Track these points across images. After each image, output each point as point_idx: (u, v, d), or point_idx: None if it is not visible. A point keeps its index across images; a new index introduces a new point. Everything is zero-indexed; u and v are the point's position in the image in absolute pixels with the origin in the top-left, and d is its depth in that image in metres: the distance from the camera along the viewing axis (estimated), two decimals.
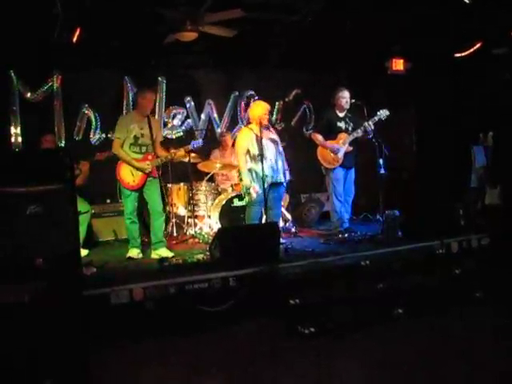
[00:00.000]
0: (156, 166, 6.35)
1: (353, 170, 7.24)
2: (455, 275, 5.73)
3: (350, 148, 7.07)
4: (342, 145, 7.01)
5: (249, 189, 6.48)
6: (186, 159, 7.61)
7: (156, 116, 8.84)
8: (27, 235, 3.97)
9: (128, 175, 6.22)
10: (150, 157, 6.31)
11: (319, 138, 7.16)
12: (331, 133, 7.14)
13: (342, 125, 7.14)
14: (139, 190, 6.30)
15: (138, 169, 6.21)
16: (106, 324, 4.52)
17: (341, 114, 7.17)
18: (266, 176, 6.33)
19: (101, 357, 4.23)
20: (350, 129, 7.11)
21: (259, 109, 6.59)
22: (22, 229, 3.97)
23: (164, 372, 4.19)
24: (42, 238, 4.00)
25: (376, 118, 6.96)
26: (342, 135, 7.07)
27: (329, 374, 4.03)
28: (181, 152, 6.78)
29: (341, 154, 7.01)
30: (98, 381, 3.98)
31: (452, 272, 5.75)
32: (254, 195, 6.42)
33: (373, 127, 6.92)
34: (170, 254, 6.24)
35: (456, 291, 5.56)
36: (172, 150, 6.66)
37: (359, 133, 6.99)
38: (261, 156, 6.33)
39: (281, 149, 6.73)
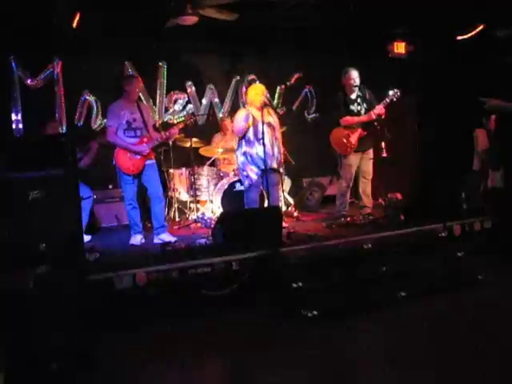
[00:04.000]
0: (153, 147, 6.37)
1: (370, 151, 7.09)
2: (458, 258, 5.74)
3: (364, 132, 6.93)
4: (354, 130, 6.90)
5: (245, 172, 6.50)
6: (188, 144, 7.60)
7: (157, 101, 8.83)
8: (30, 221, 3.98)
9: (126, 161, 6.22)
10: (145, 139, 6.30)
11: (350, 119, 6.95)
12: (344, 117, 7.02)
13: (353, 108, 7.00)
14: (138, 175, 6.30)
15: (135, 153, 6.22)
16: (110, 308, 4.55)
17: (353, 96, 7.05)
18: (262, 160, 6.26)
19: (104, 341, 4.26)
20: (362, 111, 6.99)
21: (252, 93, 6.54)
22: (24, 214, 3.97)
23: (167, 356, 4.22)
24: (44, 223, 4.01)
25: (388, 100, 6.79)
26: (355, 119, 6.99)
27: (332, 356, 4.05)
28: (174, 129, 6.63)
29: (353, 140, 6.92)
30: (101, 365, 4.00)
31: (455, 255, 5.75)
32: (253, 179, 6.41)
33: (383, 110, 6.79)
34: (172, 239, 6.25)
35: (459, 274, 5.58)
36: (168, 130, 6.62)
37: (372, 116, 6.83)
38: (258, 140, 6.30)
39: (278, 134, 6.61)
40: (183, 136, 7.65)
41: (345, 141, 6.91)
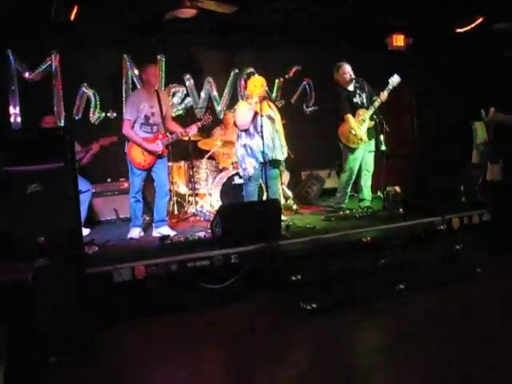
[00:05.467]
0: (166, 144, 6.38)
1: (372, 142, 7.10)
2: (456, 251, 5.75)
3: (372, 123, 6.94)
4: (363, 121, 6.91)
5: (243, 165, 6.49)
6: (187, 137, 7.58)
7: None
8: (28, 214, 3.97)
9: (139, 155, 6.20)
10: (160, 136, 6.28)
11: (351, 120, 6.94)
12: (350, 111, 7.01)
13: (357, 100, 7.00)
14: (149, 170, 6.31)
15: (148, 151, 6.20)
16: (109, 302, 4.55)
17: (350, 88, 7.04)
18: (262, 153, 6.28)
19: (104, 334, 4.27)
20: (364, 101, 6.99)
21: (251, 85, 6.54)
22: (23, 208, 3.97)
23: (166, 349, 4.23)
24: (43, 216, 4.00)
25: (390, 87, 6.80)
26: (361, 111, 6.95)
27: (330, 349, 4.06)
28: (193, 128, 6.54)
29: (364, 132, 6.91)
30: (100, 357, 4.01)
31: (453, 248, 5.76)
32: (250, 172, 6.41)
33: (387, 95, 6.79)
34: (171, 233, 6.26)
35: (457, 267, 5.60)
36: (184, 128, 6.56)
37: (376, 105, 6.84)
38: (258, 132, 6.29)
39: (278, 126, 6.64)
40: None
41: (353, 133, 6.90)
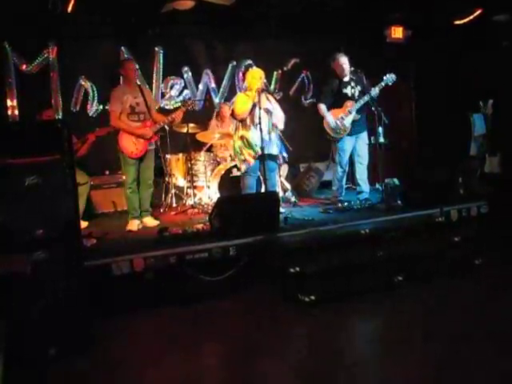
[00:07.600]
0: (156, 131, 6.41)
1: (364, 134, 7.07)
2: (454, 243, 5.75)
3: (358, 116, 6.89)
4: (349, 113, 6.88)
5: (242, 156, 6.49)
6: (185, 130, 7.57)
7: (153, 86, 8.78)
8: (26, 206, 3.97)
9: (130, 144, 6.23)
10: (148, 123, 6.33)
11: (322, 109, 6.98)
12: (337, 101, 6.97)
13: (347, 91, 6.93)
14: (141, 159, 6.34)
15: (139, 136, 6.23)
16: (108, 294, 4.56)
17: (345, 79, 6.98)
18: (256, 145, 6.29)
19: (103, 326, 4.27)
20: (356, 94, 6.93)
21: (250, 77, 6.52)
22: (20, 200, 3.96)
23: (165, 341, 4.24)
24: (41, 209, 4.00)
25: (383, 84, 6.78)
26: (349, 103, 6.88)
27: (328, 341, 4.07)
28: (178, 114, 6.59)
29: (348, 123, 6.87)
30: (100, 349, 4.02)
31: (451, 240, 5.76)
32: (249, 163, 6.40)
33: (378, 92, 6.77)
34: (155, 223, 6.39)
35: (455, 259, 5.60)
36: (170, 114, 6.61)
37: (365, 99, 6.79)
38: (254, 125, 6.29)
39: (274, 120, 6.58)
40: (180, 121, 7.61)
41: (339, 124, 6.88)
